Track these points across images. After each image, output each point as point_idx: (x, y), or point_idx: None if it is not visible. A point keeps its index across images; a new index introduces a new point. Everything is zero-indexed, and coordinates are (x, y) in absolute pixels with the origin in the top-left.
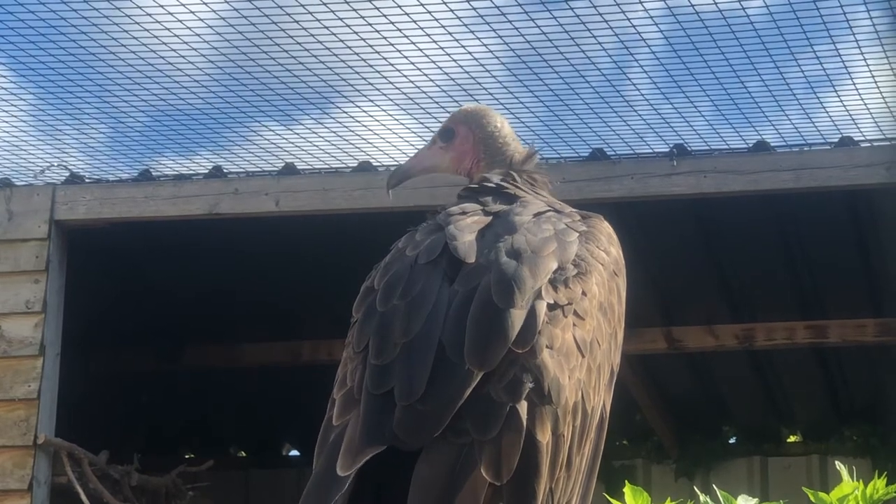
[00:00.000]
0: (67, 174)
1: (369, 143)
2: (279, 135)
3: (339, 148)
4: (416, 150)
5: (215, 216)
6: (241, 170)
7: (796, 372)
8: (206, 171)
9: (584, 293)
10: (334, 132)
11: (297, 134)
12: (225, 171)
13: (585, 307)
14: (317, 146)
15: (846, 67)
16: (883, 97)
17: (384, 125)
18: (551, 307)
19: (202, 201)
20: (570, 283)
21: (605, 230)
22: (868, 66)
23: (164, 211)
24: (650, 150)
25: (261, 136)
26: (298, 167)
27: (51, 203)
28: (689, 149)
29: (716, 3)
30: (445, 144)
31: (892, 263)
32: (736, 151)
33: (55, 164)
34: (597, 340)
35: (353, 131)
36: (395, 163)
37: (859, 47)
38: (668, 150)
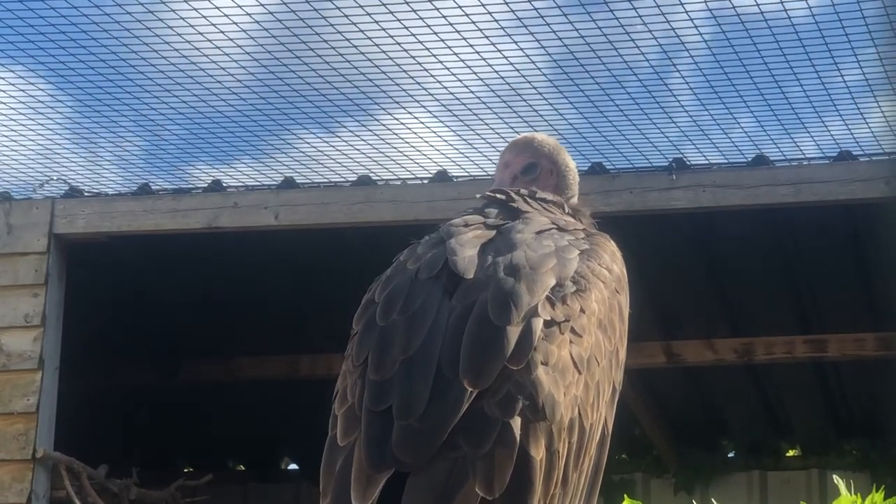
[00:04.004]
0: (66, 188)
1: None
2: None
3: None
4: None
5: (214, 230)
6: (241, 184)
7: (795, 386)
8: (206, 185)
9: (582, 310)
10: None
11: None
12: (224, 184)
13: (583, 324)
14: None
15: (845, 82)
16: (882, 112)
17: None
18: (548, 324)
19: (201, 215)
20: (568, 299)
21: (609, 248)
22: (867, 81)
23: (164, 224)
24: (649, 164)
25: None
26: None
27: (50, 217)
28: (687, 163)
29: (715, 18)
30: (530, 179)
31: (891, 277)
32: (735, 165)
33: (55, 177)
34: (595, 357)
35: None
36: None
37: (859, 64)
38: (666, 164)
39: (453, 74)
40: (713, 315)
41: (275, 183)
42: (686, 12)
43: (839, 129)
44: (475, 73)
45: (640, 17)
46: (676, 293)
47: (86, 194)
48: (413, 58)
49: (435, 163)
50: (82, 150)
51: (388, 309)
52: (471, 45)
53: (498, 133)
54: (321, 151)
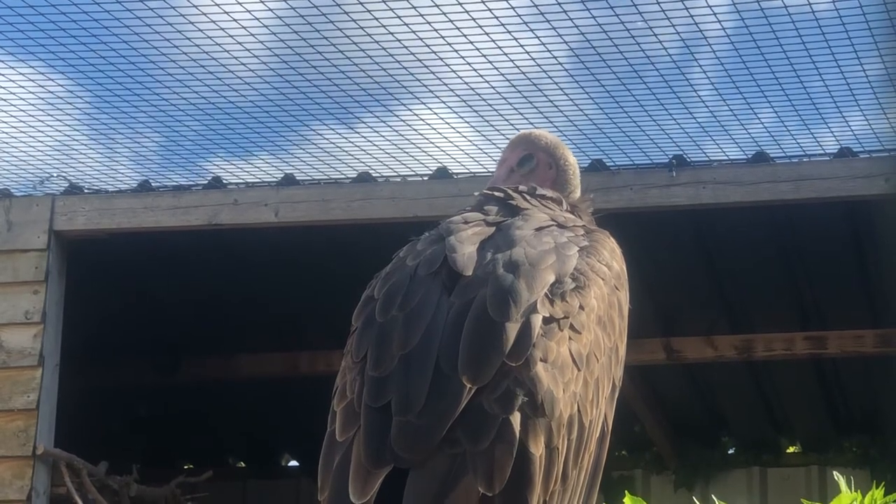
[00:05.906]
0: (67, 184)
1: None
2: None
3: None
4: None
5: (214, 227)
6: (241, 180)
7: (795, 383)
8: (206, 182)
9: (581, 307)
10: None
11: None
12: (224, 181)
13: (582, 321)
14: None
15: (846, 80)
16: (882, 109)
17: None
18: (546, 320)
19: (201, 212)
20: (567, 296)
21: (609, 245)
22: (868, 78)
23: (164, 221)
24: (649, 161)
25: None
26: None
27: (50, 213)
28: (688, 160)
29: (716, 16)
30: (527, 170)
31: (890, 274)
32: (735, 162)
33: (55, 174)
34: (594, 354)
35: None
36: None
37: (859, 61)
38: (667, 161)
39: (454, 71)
40: (713, 312)
41: (275, 180)
42: (687, 10)
43: (839, 126)
44: (475, 69)
45: (641, 15)
46: (676, 290)
47: (86, 191)
48: (414, 55)
49: (436, 160)
50: (84, 147)
51: (387, 305)
52: (471, 43)
53: (498, 129)
54: (322, 148)
